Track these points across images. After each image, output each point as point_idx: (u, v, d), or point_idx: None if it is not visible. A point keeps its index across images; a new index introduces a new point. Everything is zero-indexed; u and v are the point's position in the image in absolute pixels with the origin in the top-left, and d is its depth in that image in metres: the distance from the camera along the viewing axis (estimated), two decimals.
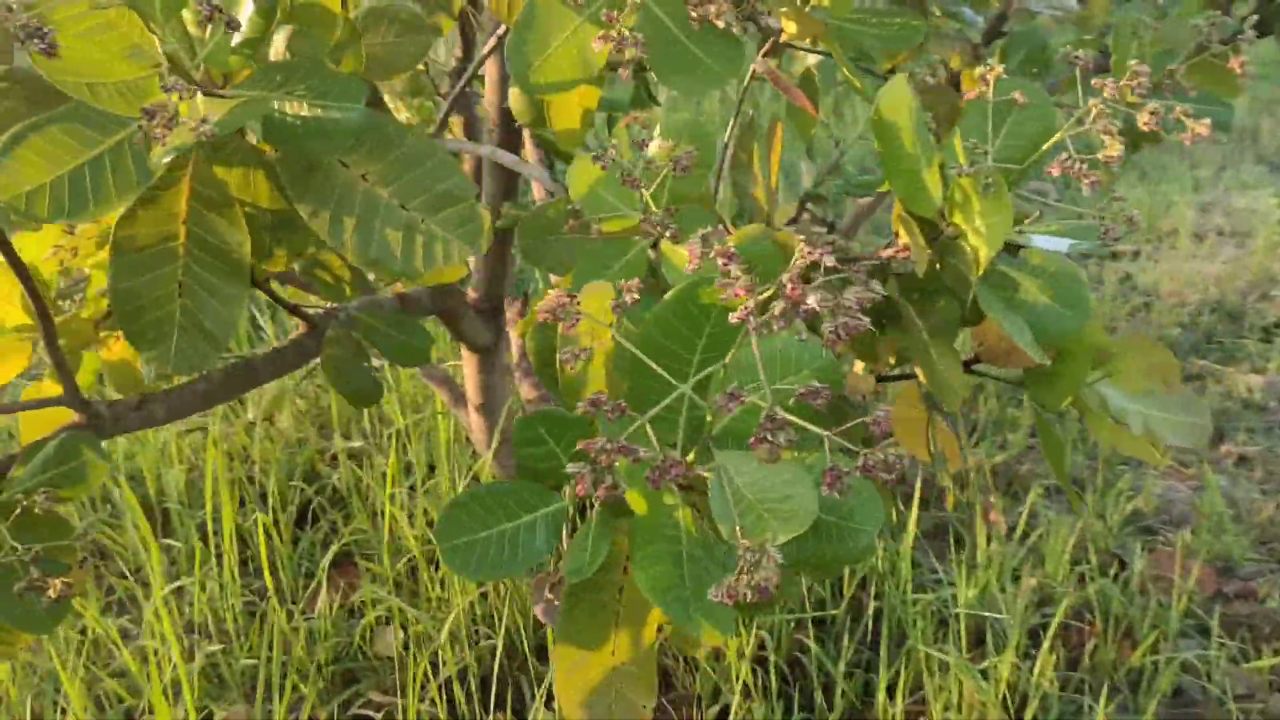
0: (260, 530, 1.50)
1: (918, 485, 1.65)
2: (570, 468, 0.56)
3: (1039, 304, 0.83)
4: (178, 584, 1.47)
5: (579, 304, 0.64)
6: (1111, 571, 1.64)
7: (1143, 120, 0.71)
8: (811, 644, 1.39)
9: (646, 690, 0.73)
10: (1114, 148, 0.77)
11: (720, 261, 0.55)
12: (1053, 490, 1.95)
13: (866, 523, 0.65)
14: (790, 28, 0.89)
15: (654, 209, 0.78)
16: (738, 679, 1.28)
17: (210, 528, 1.56)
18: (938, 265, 0.84)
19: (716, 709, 1.32)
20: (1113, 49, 1.22)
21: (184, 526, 1.69)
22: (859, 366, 0.96)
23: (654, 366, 0.64)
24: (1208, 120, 1.16)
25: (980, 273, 0.77)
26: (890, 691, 1.37)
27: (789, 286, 0.53)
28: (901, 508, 1.58)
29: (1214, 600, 1.65)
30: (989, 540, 1.64)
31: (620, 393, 0.69)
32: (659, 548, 0.64)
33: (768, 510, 0.62)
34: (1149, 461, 0.90)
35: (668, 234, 0.80)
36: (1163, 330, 2.81)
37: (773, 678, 1.32)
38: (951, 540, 1.79)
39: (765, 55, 0.92)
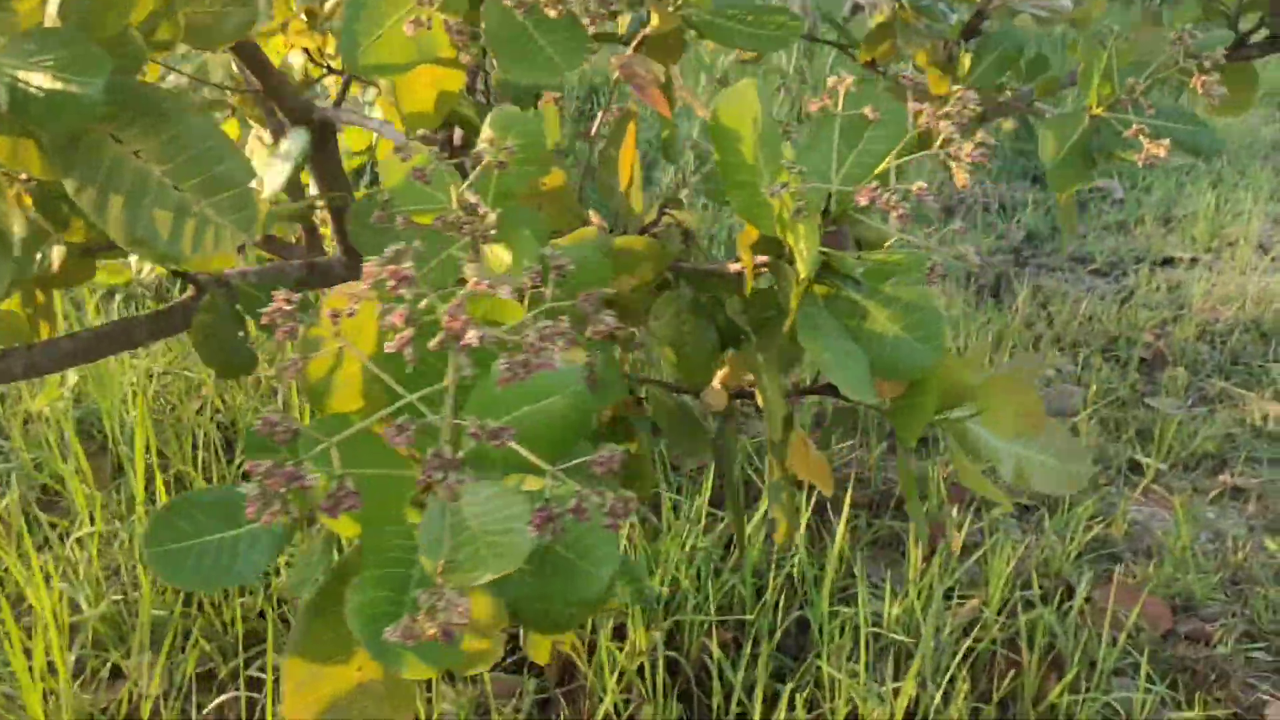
0: (173, 481, 1.50)
1: (848, 492, 1.59)
2: (241, 488, 0.53)
3: (889, 334, 0.78)
4: (91, 530, 1.48)
5: (316, 309, 0.60)
6: (1056, 600, 1.57)
7: (966, 153, 0.65)
8: (714, 648, 1.35)
9: (400, 709, 0.70)
10: (960, 177, 0.71)
11: (390, 283, 0.51)
12: (1023, 508, 1.88)
13: (601, 565, 0.61)
14: (653, 21, 0.83)
15: (456, 205, 0.74)
16: (613, 675, 1.25)
17: (142, 474, 1.57)
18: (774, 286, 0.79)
19: (608, 704, 1.30)
20: (1080, 59, 1.14)
21: (131, 472, 1.70)
22: (716, 382, 0.92)
23: (391, 382, 0.60)
24: (1166, 141, 1.08)
25: (797, 297, 0.71)
26: (781, 704, 1.33)
27: (448, 317, 0.49)
28: (831, 515, 1.53)
29: (1164, 640, 1.58)
30: (932, 554, 1.58)
31: (379, 404, 0.66)
32: (381, 572, 0.61)
33: (487, 543, 0.58)
34: (1000, 504, 0.84)
35: (483, 233, 0.76)
36: (1186, 346, 2.69)
37: (659, 678, 1.29)
38: (899, 553, 1.74)
39: (636, 50, 0.87)
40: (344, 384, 0.65)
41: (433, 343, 0.49)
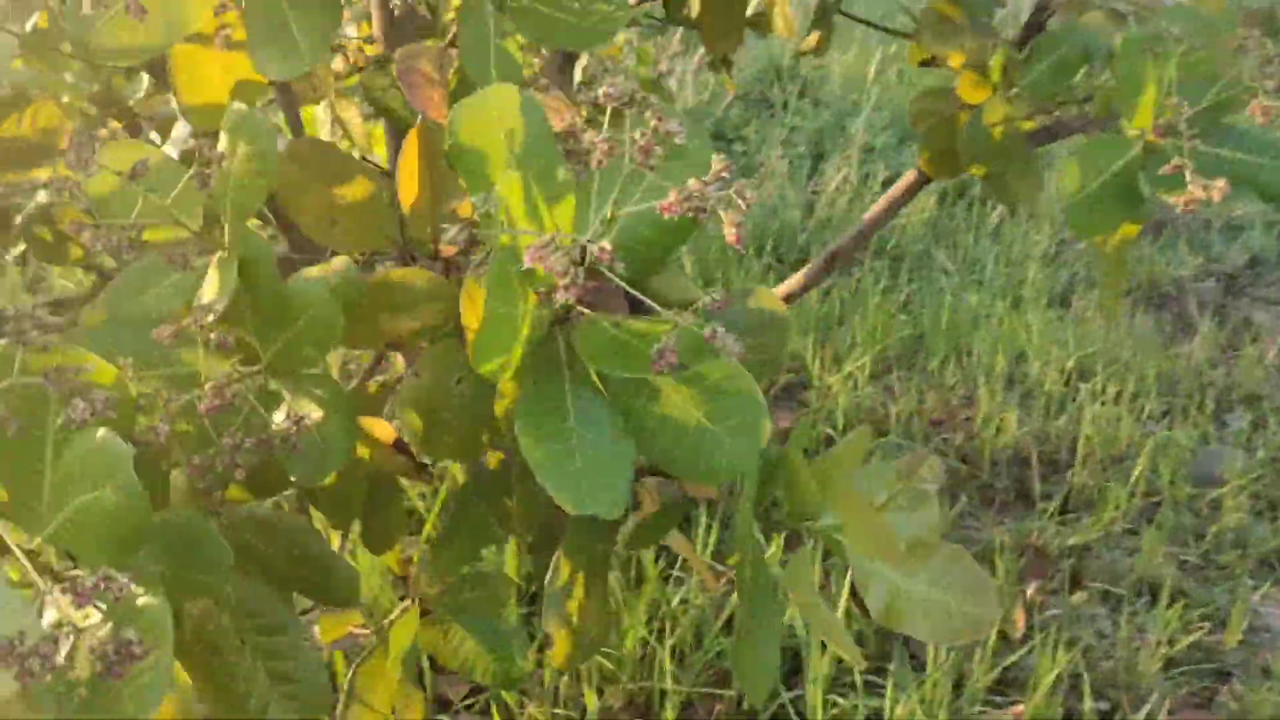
0: None
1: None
2: None
3: (688, 423, 0.60)
4: None
5: None
6: (1118, 717, 1.31)
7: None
8: None
9: None
10: (729, 232, 0.52)
11: None
12: (1125, 593, 1.58)
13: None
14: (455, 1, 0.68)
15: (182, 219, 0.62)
16: None
17: None
18: None
19: None
20: (1121, 76, 0.89)
21: None
22: None
23: None
24: (1221, 182, 0.85)
25: (509, 368, 0.55)
26: None
27: None
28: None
29: None
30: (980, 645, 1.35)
31: None
32: None
33: None
34: (846, 656, 0.64)
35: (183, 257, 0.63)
36: None
37: None
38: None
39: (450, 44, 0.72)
40: None
41: None
